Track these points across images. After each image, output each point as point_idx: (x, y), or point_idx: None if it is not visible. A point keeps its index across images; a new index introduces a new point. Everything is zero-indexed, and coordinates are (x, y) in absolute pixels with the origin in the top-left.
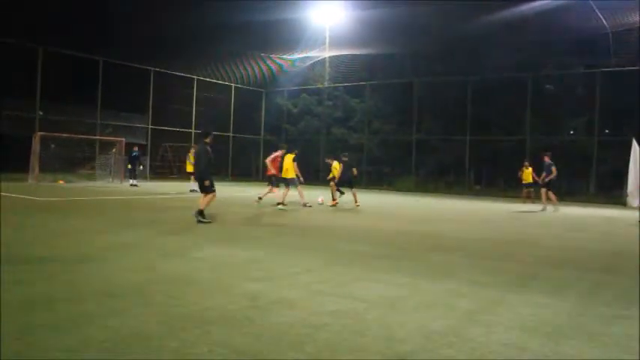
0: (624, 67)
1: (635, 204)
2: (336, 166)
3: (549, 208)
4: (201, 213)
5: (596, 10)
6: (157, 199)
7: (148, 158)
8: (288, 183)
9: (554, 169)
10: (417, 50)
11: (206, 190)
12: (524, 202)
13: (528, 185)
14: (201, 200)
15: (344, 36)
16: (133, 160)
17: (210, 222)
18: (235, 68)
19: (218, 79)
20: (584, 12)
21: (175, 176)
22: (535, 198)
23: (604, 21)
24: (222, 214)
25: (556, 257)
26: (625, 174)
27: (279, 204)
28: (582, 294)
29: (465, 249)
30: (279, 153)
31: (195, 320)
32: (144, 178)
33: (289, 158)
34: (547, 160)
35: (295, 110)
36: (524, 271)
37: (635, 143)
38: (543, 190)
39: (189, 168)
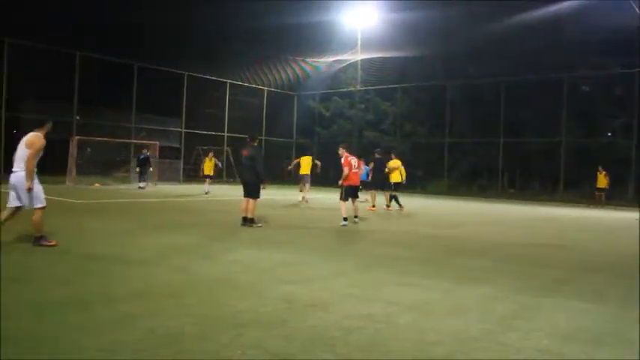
0: None
1: None
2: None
3: None
4: (252, 220)
5: (636, 8)
6: (191, 202)
7: (182, 162)
8: (304, 179)
9: None
10: (449, 52)
11: (257, 195)
12: (602, 207)
13: (601, 190)
14: (245, 206)
15: (376, 39)
16: (143, 163)
17: (261, 225)
18: (267, 72)
19: (250, 83)
20: (623, 10)
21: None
22: (606, 204)
23: None
24: (260, 218)
25: (592, 262)
26: None
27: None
28: (619, 299)
29: (500, 253)
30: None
31: (229, 322)
32: (177, 181)
33: (309, 159)
34: None
35: (327, 113)
36: (560, 275)
37: None
38: None
39: (207, 171)
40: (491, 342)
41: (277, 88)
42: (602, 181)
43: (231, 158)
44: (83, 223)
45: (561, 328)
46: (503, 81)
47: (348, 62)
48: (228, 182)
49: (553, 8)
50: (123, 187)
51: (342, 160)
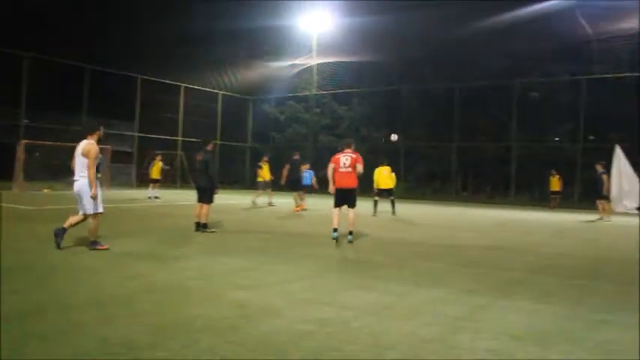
0: (608, 74)
1: (619, 209)
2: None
3: (605, 218)
4: (205, 225)
5: (580, 19)
6: (143, 207)
7: (134, 166)
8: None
9: (604, 177)
10: (404, 57)
11: (210, 200)
12: (552, 210)
13: (555, 193)
14: (199, 211)
15: (332, 43)
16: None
17: (215, 230)
18: (223, 75)
19: (205, 87)
20: (570, 20)
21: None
22: (558, 207)
23: (588, 29)
24: (214, 223)
25: (543, 264)
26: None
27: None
28: (568, 300)
29: (454, 256)
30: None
31: (183, 329)
32: (130, 186)
33: (266, 166)
34: (599, 168)
35: (282, 118)
36: (512, 277)
37: (618, 150)
38: (599, 202)
39: (155, 175)
40: (443, 344)
41: (233, 92)
42: (556, 184)
43: (185, 163)
44: (34, 231)
45: (512, 329)
46: (456, 86)
47: (304, 66)
48: (182, 187)
49: (507, 16)
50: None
51: None
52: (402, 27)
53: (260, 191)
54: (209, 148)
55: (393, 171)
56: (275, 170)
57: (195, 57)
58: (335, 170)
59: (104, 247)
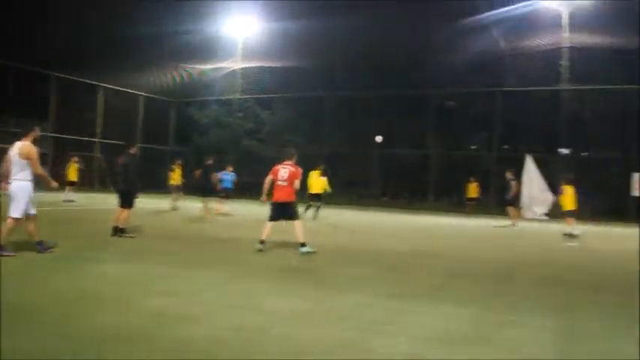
0: (520, 87)
1: (529, 215)
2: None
3: (514, 223)
4: (123, 230)
5: (496, 35)
6: (58, 211)
7: (49, 168)
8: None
9: (513, 183)
10: (329, 64)
11: (131, 205)
12: (468, 215)
13: (471, 200)
14: (118, 215)
15: (257, 48)
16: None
17: (134, 236)
18: (145, 77)
19: (126, 88)
20: (487, 35)
21: (78, 187)
22: (474, 213)
23: (502, 45)
24: (133, 228)
25: (459, 268)
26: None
27: None
28: (481, 303)
29: (375, 262)
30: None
31: (94, 338)
32: (45, 189)
33: (178, 170)
34: (509, 175)
35: (205, 121)
36: (431, 282)
37: (528, 159)
38: (508, 207)
39: (72, 177)
40: (359, 348)
41: (155, 95)
42: (474, 190)
43: (104, 165)
44: None
45: (427, 332)
46: (377, 94)
47: (229, 70)
48: (100, 190)
49: (428, 28)
50: None
51: None
52: (327, 34)
53: (174, 195)
54: (132, 151)
55: (324, 175)
56: (191, 174)
57: (117, 58)
58: (273, 183)
59: (11, 254)
